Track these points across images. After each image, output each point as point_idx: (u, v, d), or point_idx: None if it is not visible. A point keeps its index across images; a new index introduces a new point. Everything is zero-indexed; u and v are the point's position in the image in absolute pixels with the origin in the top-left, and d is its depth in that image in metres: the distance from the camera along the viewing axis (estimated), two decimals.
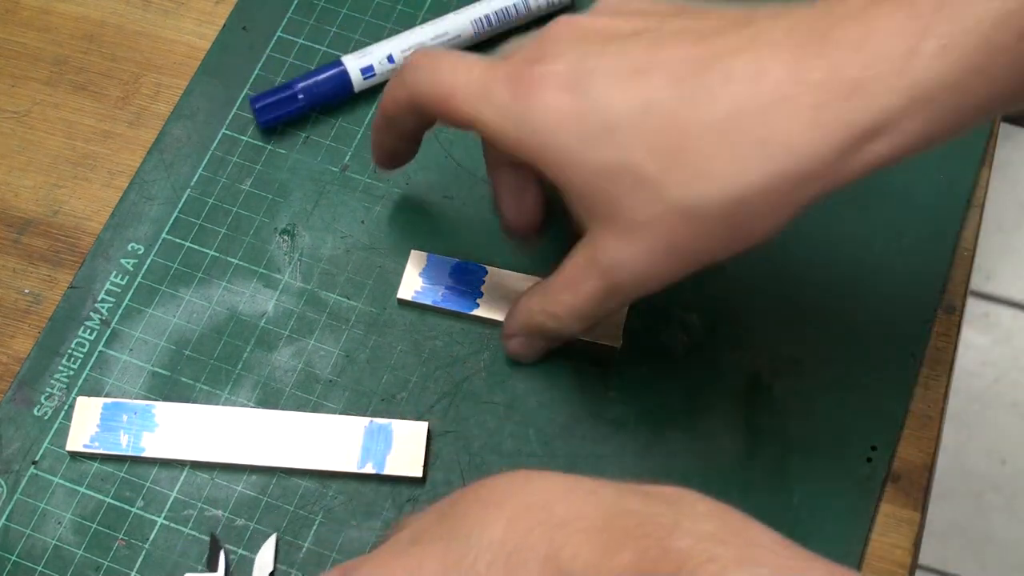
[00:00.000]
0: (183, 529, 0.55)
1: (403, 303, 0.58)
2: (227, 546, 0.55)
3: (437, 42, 0.64)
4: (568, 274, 0.47)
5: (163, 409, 0.56)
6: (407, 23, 0.66)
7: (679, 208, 0.41)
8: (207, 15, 0.67)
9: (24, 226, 0.62)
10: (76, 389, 0.58)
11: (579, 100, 0.43)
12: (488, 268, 0.57)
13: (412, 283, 0.58)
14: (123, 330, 0.59)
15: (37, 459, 0.56)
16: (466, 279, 0.57)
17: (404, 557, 0.39)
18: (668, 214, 0.42)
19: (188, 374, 0.58)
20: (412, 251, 0.58)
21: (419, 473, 0.55)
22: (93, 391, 0.58)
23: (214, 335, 0.59)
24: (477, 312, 0.57)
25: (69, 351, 0.58)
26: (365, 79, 0.63)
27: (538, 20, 0.66)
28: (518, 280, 0.57)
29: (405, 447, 0.55)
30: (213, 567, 0.53)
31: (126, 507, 0.55)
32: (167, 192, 0.62)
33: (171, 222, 0.61)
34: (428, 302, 0.57)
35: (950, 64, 0.37)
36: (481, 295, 0.57)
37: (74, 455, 0.56)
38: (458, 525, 0.38)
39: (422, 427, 0.56)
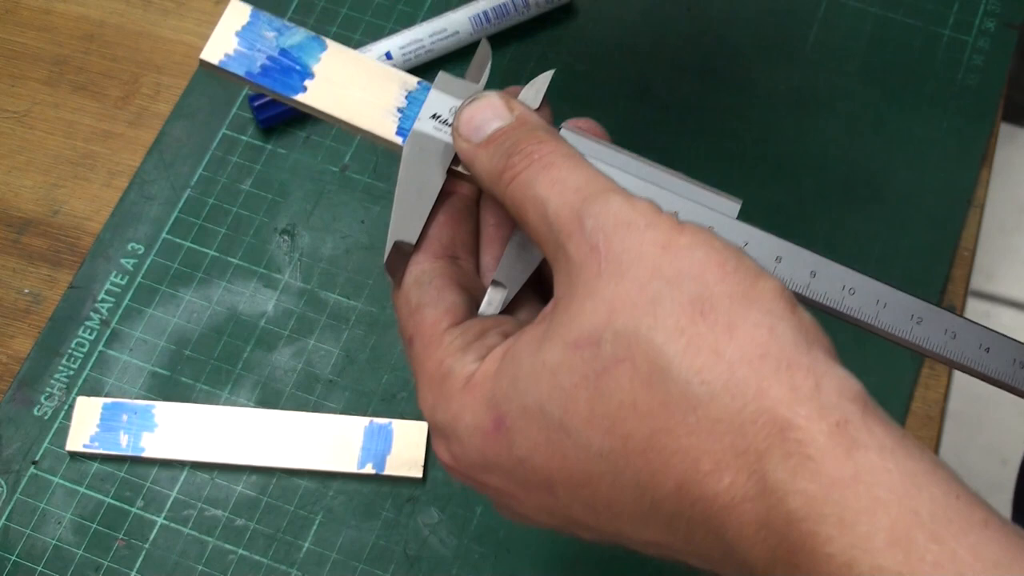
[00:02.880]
0: (183, 529, 0.55)
1: None
2: (227, 546, 0.55)
3: (436, 39, 0.64)
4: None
5: (163, 409, 0.56)
6: (407, 23, 0.66)
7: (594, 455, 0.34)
8: (207, 15, 0.67)
9: (24, 226, 0.62)
10: (76, 389, 0.58)
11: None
12: (327, 42, 0.42)
13: (222, 43, 0.42)
14: (123, 330, 0.59)
15: (37, 459, 0.56)
16: (297, 51, 0.43)
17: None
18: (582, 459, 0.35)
19: (188, 374, 0.58)
20: (231, 0, 0.43)
21: (419, 473, 0.55)
22: (93, 391, 0.58)
23: (214, 335, 0.59)
24: (301, 97, 0.42)
25: (69, 351, 0.58)
26: None
27: (537, 18, 0.66)
28: (363, 64, 0.42)
29: (405, 447, 0.55)
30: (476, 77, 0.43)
31: (126, 507, 0.55)
32: (167, 192, 0.62)
33: (171, 222, 0.61)
34: (240, 72, 0.42)
35: None
36: (311, 76, 0.42)
37: (74, 455, 0.56)
38: None
39: (422, 427, 0.56)
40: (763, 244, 0.38)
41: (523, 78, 0.65)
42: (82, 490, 0.56)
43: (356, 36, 0.66)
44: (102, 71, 0.66)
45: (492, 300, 0.39)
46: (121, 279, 0.60)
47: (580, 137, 0.39)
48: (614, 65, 0.66)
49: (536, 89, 0.41)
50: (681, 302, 0.33)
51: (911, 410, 0.57)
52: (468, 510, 0.55)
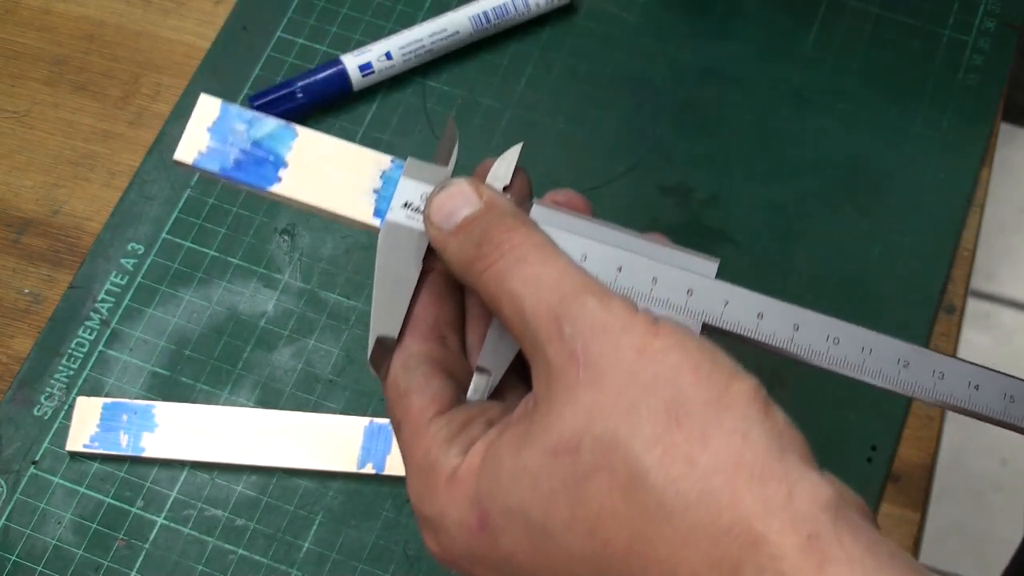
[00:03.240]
0: (183, 529, 0.55)
1: None
2: (227, 546, 0.55)
3: (436, 39, 0.64)
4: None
5: (163, 409, 0.56)
6: (407, 23, 0.66)
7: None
8: (207, 15, 0.67)
9: (24, 226, 0.62)
10: (76, 389, 0.58)
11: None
12: (297, 129, 0.42)
13: (195, 141, 0.42)
14: (123, 330, 0.59)
15: (37, 459, 0.56)
16: (268, 142, 0.42)
17: None
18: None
19: (188, 374, 0.58)
20: (201, 95, 0.42)
21: None
22: (93, 391, 0.58)
23: (214, 335, 0.59)
24: (276, 188, 0.41)
25: (69, 351, 0.58)
26: (364, 76, 0.63)
27: (537, 18, 0.66)
28: (334, 147, 0.42)
29: None
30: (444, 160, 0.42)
31: (126, 507, 0.55)
32: (167, 192, 0.62)
33: (171, 222, 0.61)
34: (214, 170, 0.41)
35: None
36: (285, 165, 0.41)
37: (74, 455, 0.56)
38: None
39: None
40: (744, 302, 0.38)
41: (523, 78, 0.65)
42: (82, 490, 0.56)
43: (356, 36, 0.66)
44: (102, 71, 0.66)
45: (478, 386, 0.39)
46: (121, 279, 0.60)
47: (554, 211, 0.39)
48: (614, 65, 0.66)
49: (507, 162, 0.40)
50: (657, 409, 0.33)
51: (911, 411, 0.57)
52: None
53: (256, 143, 0.42)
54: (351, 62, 0.63)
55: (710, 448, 0.32)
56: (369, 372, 0.58)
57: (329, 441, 0.56)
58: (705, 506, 0.32)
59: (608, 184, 0.63)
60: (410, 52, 0.64)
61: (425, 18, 0.66)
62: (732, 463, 0.32)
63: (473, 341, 0.41)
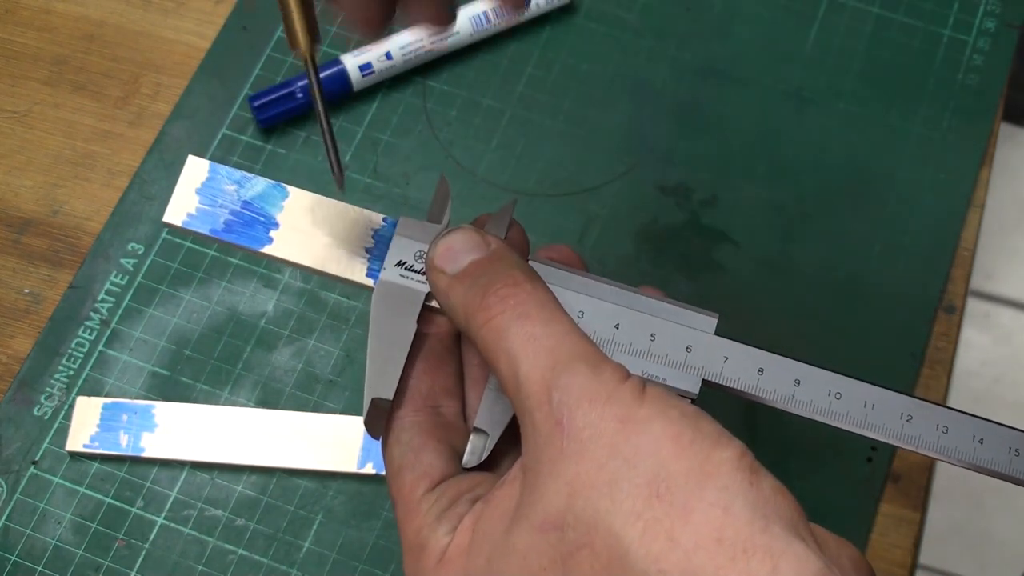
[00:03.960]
0: (183, 529, 0.55)
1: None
2: (227, 546, 0.55)
3: (436, 39, 0.64)
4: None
5: (163, 409, 0.56)
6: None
7: None
8: (207, 15, 0.67)
9: (24, 226, 0.62)
10: (76, 389, 0.58)
11: None
12: (288, 189, 0.42)
13: (184, 203, 0.42)
14: (123, 330, 0.59)
15: (37, 459, 0.56)
16: (259, 202, 0.42)
17: None
18: None
19: (188, 374, 0.58)
20: (189, 156, 0.43)
21: None
22: (93, 391, 0.58)
23: (214, 335, 0.59)
24: (268, 250, 0.41)
25: (69, 351, 0.58)
26: (364, 76, 0.63)
27: (537, 18, 0.66)
28: (326, 207, 0.42)
29: None
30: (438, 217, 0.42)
31: (126, 507, 0.55)
32: (167, 192, 0.62)
33: None
34: (205, 231, 0.41)
35: None
36: (276, 226, 0.41)
37: (74, 455, 0.56)
38: None
39: None
40: (744, 357, 0.38)
41: (523, 78, 0.65)
42: (82, 490, 0.56)
43: (356, 36, 0.66)
44: (102, 71, 0.66)
45: (475, 448, 0.38)
46: (121, 279, 0.60)
47: (550, 268, 0.39)
48: (614, 65, 0.66)
49: (503, 218, 0.40)
50: (638, 484, 0.32)
51: None
52: None
53: (246, 203, 0.41)
54: (351, 62, 0.63)
55: (691, 523, 0.31)
56: None
57: (329, 441, 0.56)
58: None
59: (608, 184, 0.63)
60: (410, 52, 0.64)
61: None
62: (714, 538, 0.31)
63: (474, 403, 0.40)
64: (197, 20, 0.67)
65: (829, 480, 0.55)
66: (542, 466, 0.34)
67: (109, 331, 0.59)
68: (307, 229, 0.41)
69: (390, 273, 0.39)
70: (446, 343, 0.40)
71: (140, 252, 0.61)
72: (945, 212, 0.62)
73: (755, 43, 0.66)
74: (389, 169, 0.63)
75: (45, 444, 0.57)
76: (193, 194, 0.42)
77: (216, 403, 0.57)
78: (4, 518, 0.55)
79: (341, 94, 0.63)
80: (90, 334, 0.59)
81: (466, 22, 0.64)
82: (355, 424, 0.56)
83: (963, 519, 1.32)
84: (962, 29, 0.66)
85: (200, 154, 0.63)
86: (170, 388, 0.58)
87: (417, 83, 0.65)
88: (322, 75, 0.63)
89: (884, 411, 0.38)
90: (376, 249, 0.40)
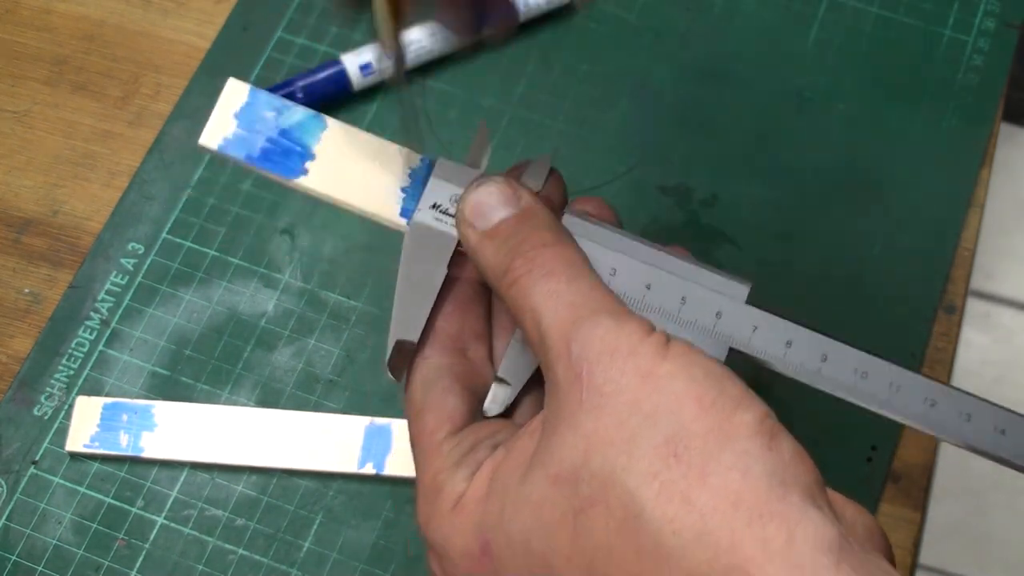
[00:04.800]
0: (183, 529, 0.55)
1: None
2: (227, 546, 0.55)
3: (436, 39, 0.64)
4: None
5: (163, 409, 0.56)
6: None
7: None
8: (207, 15, 0.67)
9: (24, 226, 0.62)
10: (76, 389, 0.58)
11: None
12: (327, 120, 0.41)
13: (221, 126, 0.41)
14: (123, 330, 0.59)
15: (37, 459, 0.56)
16: (297, 132, 0.41)
17: None
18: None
19: (188, 374, 0.58)
20: (230, 79, 0.42)
21: None
22: (93, 391, 0.58)
23: (214, 335, 0.59)
24: (303, 180, 0.40)
25: (69, 351, 0.58)
26: (364, 76, 0.63)
27: (537, 18, 0.66)
28: (364, 142, 0.41)
29: (405, 447, 0.55)
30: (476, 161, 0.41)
31: (126, 507, 0.55)
32: (167, 192, 0.62)
33: (171, 222, 0.61)
34: (240, 157, 0.40)
35: None
36: (312, 157, 0.40)
37: (74, 455, 0.56)
38: None
39: None
40: (773, 328, 0.37)
41: (523, 78, 0.65)
42: (82, 490, 0.56)
43: (356, 36, 0.66)
44: (102, 71, 0.66)
45: (496, 397, 0.38)
46: (121, 279, 0.60)
47: (585, 223, 0.38)
48: (614, 65, 0.66)
49: (541, 167, 0.39)
50: (656, 443, 0.32)
51: None
52: None
53: (284, 132, 0.40)
54: (351, 62, 0.63)
55: (708, 486, 0.31)
56: (369, 372, 0.58)
57: (329, 441, 0.56)
58: (702, 548, 0.30)
59: (608, 184, 0.63)
60: (410, 52, 0.64)
61: None
62: (731, 502, 0.31)
63: (499, 349, 0.40)
64: (197, 20, 0.67)
65: (829, 480, 0.55)
66: (561, 419, 0.33)
67: (109, 331, 0.59)
68: (343, 163, 0.40)
69: (424, 215, 0.39)
70: (476, 287, 0.39)
71: (140, 252, 0.61)
72: (945, 212, 0.62)
73: (755, 43, 0.66)
74: None
75: (45, 444, 0.57)
76: (231, 118, 0.41)
77: (216, 403, 0.57)
78: (4, 518, 0.55)
79: (341, 94, 0.63)
80: (90, 334, 0.59)
81: None
82: (355, 424, 0.56)
83: (963, 519, 1.32)
84: (962, 29, 0.66)
85: (201, 154, 0.63)
86: (170, 388, 0.58)
87: (417, 83, 0.65)
88: (321, 75, 0.63)
89: (908, 394, 0.37)
90: (411, 188, 0.39)
